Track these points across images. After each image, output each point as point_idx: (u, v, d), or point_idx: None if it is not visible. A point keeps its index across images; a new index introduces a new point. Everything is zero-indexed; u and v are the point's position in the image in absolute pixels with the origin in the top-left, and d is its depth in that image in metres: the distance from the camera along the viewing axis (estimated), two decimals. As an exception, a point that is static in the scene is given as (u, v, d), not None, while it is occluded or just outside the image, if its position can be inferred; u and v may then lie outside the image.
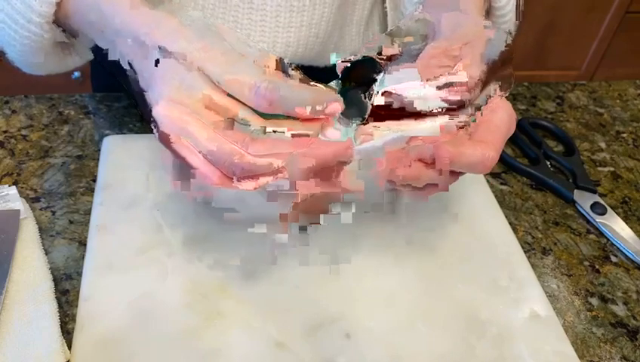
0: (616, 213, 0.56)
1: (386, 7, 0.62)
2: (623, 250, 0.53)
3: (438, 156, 0.38)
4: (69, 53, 0.52)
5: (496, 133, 0.40)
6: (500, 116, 0.40)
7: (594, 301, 0.49)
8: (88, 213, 0.50)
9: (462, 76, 0.38)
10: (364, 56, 0.41)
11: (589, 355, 0.45)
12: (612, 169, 0.62)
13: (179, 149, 0.36)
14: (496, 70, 0.40)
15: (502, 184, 0.58)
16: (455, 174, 0.42)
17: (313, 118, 0.36)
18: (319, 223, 0.40)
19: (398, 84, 0.38)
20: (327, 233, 0.49)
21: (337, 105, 0.36)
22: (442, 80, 0.38)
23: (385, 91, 0.38)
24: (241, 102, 0.35)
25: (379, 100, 0.38)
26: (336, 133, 0.38)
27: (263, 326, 0.42)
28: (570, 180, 0.59)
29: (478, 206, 0.53)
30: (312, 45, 0.60)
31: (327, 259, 0.47)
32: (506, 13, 0.56)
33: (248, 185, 0.37)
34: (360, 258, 0.48)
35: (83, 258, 0.46)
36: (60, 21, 0.44)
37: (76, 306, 0.43)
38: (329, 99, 0.36)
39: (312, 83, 0.38)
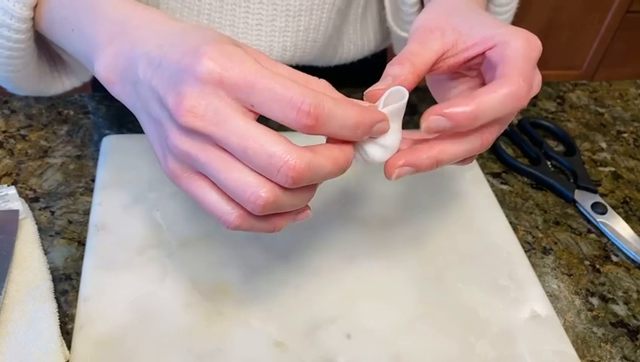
0: (617, 212, 0.56)
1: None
2: (624, 250, 0.53)
3: (453, 118, 0.34)
4: (59, 75, 0.51)
5: (515, 63, 0.35)
6: (513, 47, 0.35)
7: (594, 300, 0.48)
8: (87, 213, 0.50)
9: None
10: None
11: (590, 355, 0.44)
12: (613, 169, 0.62)
13: (188, 186, 0.33)
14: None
15: (502, 184, 0.58)
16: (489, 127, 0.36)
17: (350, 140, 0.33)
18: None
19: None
20: (327, 232, 0.49)
21: (384, 125, 0.33)
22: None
23: None
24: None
25: None
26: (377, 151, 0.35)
27: (263, 326, 0.42)
28: (571, 180, 0.59)
29: (479, 206, 0.53)
30: (310, 49, 0.60)
31: (327, 259, 0.47)
32: (509, 1, 0.53)
33: (272, 224, 0.34)
34: (360, 258, 0.48)
35: (82, 258, 0.46)
36: (43, 31, 0.42)
37: (75, 306, 0.43)
38: (376, 118, 0.32)
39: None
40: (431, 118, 0.34)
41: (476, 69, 0.40)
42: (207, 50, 0.30)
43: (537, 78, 0.38)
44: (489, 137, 0.36)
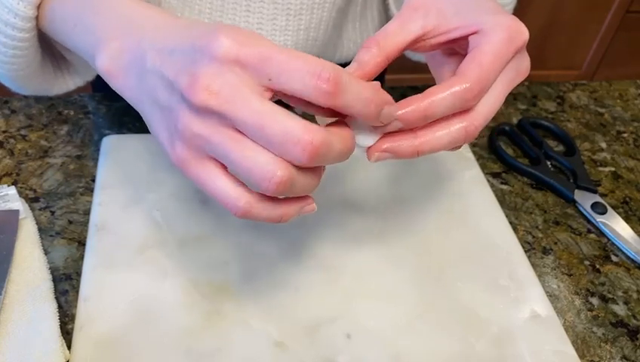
0: (617, 212, 0.56)
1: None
2: (624, 250, 0.53)
3: (404, 120, 0.35)
4: (62, 74, 0.51)
5: (480, 60, 0.35)
6: (490, 40, 0.35)
7: (594, 300, 0.48)
8: (88, 213, 0.50)
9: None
10: None
11: (590, 355, 0.44)
12: (613, 169, 0.62)
13: (197, 172, 0.33)
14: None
15: (502, 184, 0.58)
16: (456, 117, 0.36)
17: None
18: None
19: None
20: (327, 233, 0.49)
21: (393, 111, 0.33)
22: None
23: None
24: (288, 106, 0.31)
25: None
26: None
27: (263, 326, 0.42)
28: (571, 180, 0.59)
29: (478, 206, 0.53)
30: (311, 48, 0.60)
31: (327, 259, 0.47)
32: None
33: (280, 211, 0.34)
34: (360, 258, 0.48)
35: (82, 258, 0.46)
36: (45, 29, 0.43)
37: (76, 306, 0.43)
38: (387, 98, 0.33)
39: None
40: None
41: (465, 49, 0.40)
42: (223, 30, 0.31)
43: (524, 64, 0.38)
44: (473, 130, 0.36)
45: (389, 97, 0.33)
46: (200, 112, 0.31)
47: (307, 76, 0.30)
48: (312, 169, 0.33)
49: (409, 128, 0.35)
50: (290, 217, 0.34)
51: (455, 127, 0.36)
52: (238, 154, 0.31)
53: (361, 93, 0.31)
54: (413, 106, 0.34)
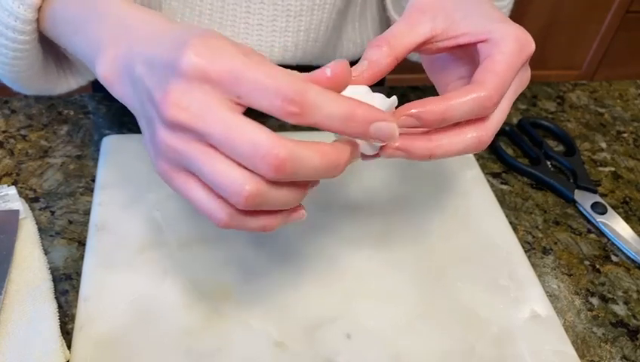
0: (617, 212, 0.56)
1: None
2: (624, 250, 0.53)
3: (423, 119, 0.34)
4: (64, 74, 0.51)
5: (496, 70, 0.35)
6: (502, 50, 0.36)
7: (594, 300, 0.48)
8: (88, 213, 0.50)
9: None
10: None
11: (590, 355, 0.44)
12: (613, 169, 0.62)
13: (178, 184, 0.33)
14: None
15: (502, 184, 0.58)
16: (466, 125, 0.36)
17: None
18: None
19: None
20: (327, 233, 0.49)
21: (388, 127, 0.32)
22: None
23: None
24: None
25: None
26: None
27: (263, 326, 0.42)
28: (571, 180, 0.59)
29: (478, 206, 0.53)
30: (311, 49, 0.60)
31: (327, 259, 0.47)
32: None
33: (261, 222, 0.33)
34: (360, 258, 0.48)
35: (82, 258, 0.46)
36: (46, 32, 0.43)
37: (76, 306, 0.43)
38: (373, 115, 0.31)
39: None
40: (401, 118, 0.34)
41: (470, 55, 0.39)
42: (191, 44, 0.30)
43: (526, 75, 0.38)
44: (486, 140, 0.36)
45: (380, 114, 0.32)
46: (172, 127, 0.31)
47: (272, 96, 0.29)
48: (289, 183, 0.32)
49: (423, 128, 0.35)
50: (274, 227, 0.34)
51: (469, 135, 0.36)
52: (210, 168, 0.31)
53: (334, 112, 0.30)
54: (433, 106, 0.34)
